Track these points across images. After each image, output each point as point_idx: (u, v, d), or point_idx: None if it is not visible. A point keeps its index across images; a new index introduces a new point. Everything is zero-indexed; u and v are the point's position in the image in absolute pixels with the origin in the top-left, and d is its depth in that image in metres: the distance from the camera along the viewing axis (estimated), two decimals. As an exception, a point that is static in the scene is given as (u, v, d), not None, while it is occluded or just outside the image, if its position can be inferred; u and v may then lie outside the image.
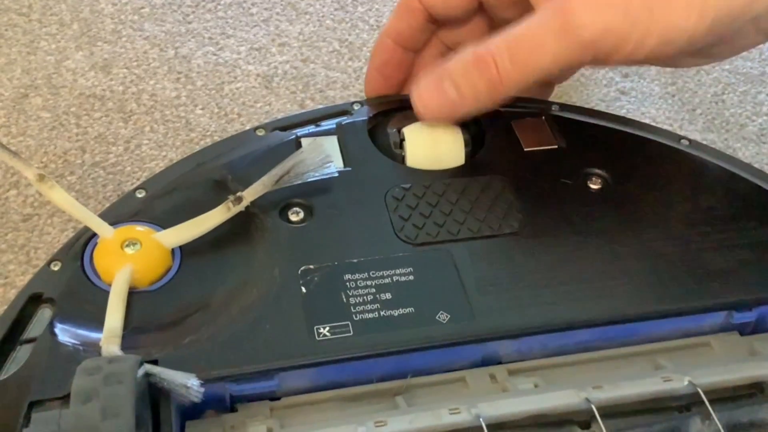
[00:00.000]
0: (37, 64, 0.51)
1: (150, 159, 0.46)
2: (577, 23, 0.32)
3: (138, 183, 0.38)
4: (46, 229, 0.42)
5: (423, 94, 0.37)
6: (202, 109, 0.49)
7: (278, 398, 0.31)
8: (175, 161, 0.39)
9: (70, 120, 0.48)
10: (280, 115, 0.48)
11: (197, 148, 0.45)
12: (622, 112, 0.51)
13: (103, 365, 0.26)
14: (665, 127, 0.49)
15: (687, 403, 0.31)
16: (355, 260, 0.33)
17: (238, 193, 0.34)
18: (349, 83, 0.51)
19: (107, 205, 0.39)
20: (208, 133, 0.48)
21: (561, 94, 0.51)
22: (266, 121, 0.44)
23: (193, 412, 0.30)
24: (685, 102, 0.52)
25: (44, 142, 0.46)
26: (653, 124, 0.49)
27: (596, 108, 0.48)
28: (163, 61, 0.52)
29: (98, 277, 0.33)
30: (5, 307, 0.32)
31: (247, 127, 0.43)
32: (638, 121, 0.42)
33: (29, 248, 0.41)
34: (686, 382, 0.30)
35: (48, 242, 0.41)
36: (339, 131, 0.39)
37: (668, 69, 0.54)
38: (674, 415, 0.31)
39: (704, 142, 0.44)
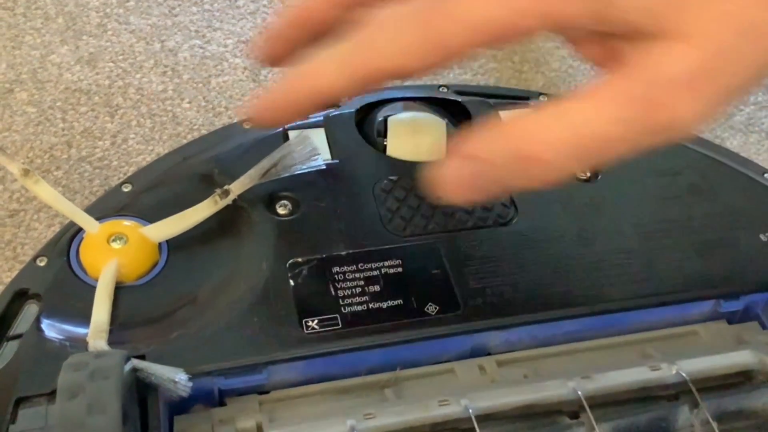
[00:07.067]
0: (22, 59, 0.50)
1: (137, 153, 0.46)
2: (671, 123, 0.24)
3: (125, 177, 0.37)
4: (32, 225, 0.42)
5: (450, 183, 0.26)
6: (189, 102, 0.49)
7: (267, 392, 0.31)
8: (162, 155, 0.39)
9: (56, 115, 0.47)
10: (267, 108, 0.48)
11: (184, 142, 0.45)
12: (610, 103, 0.51)
13: (90, 360, 0.26)
14: (653, 117, 0.50)
15: (675, 392, 0.31)
16: (343, 253, 0.33)
17: (225, 187, 0.34)
18: (337, 75, 0.51)
19: (94, 200, 0.38)
20: (195, 127, 0.48)
21: (549, 84, 0.51)
22: (253, 114, 0.44)
23: (181, 406, 0.30)
24: (673, 92, 0.52)
25: (30, 137, 0.46)
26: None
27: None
28: (149, 54, 0.51)
29: (85, 272, 0.32)
30: (-9, 303, 0.32)
31: (235, 121, 0.43)
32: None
33: (16, 244, 0.41)
34: (674, 371, 0.31)
35: (35, 238, 0.41)
36: (327, 123, 0.39)
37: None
38: (663, 404, 0.31)
39: (692, 132, 0.45)
